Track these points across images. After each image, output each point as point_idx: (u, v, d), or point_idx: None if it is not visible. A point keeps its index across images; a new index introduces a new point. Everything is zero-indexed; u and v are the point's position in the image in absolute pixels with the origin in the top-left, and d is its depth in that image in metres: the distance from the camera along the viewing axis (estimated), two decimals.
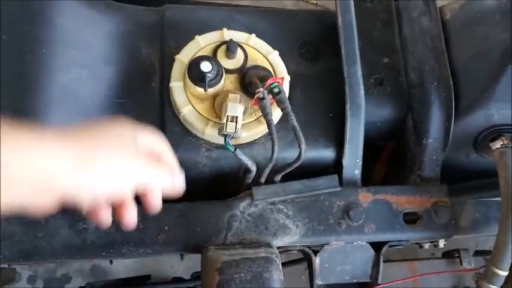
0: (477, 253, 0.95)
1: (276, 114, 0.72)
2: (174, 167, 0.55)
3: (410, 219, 0.73)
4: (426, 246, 0.85)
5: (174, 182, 0.53)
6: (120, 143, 0.47)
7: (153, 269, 1.58)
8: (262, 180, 0.73)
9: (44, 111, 0.67)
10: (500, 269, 0.64)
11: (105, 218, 0.52)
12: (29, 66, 0.67)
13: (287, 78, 0.74)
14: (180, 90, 0.70)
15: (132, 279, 1.02)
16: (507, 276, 0.65)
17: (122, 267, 1.60)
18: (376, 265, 0.73)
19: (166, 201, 0.72)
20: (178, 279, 1.05)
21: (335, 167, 0.78)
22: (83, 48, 0.72)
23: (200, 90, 0.67)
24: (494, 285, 0.65)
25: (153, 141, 0.53)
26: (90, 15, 0.74)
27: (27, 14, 0.69)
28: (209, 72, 0.65)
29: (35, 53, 0.67)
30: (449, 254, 0.91)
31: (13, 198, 0.40)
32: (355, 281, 0.74)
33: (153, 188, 0.52)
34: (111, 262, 0.94)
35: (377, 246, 0.74)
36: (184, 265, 1.55)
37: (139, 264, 1.61)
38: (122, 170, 0.46)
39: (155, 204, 0.54)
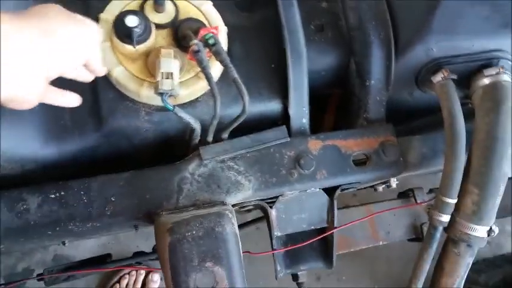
0: (431, 191, 0.97)
1: (216, 69, 0.70)
2: None
3: (360, 161, 0.73)
4: (380, 188, 0.87)
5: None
6: (68, 20, 0.52)
7: (117, 251, 1.55)
8: (210, 139, 0.71)
9: None
10: (449, 198, 0.65)
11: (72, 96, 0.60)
12: None
13: (224, 29, 0.71)
14: (108, 50, 0.65)
15: (92, 259, 0.98)
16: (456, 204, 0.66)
17: (86, 253, 1.55)
18: (331, 209, 0.74)
19: (111, 171, 0.70)
20: (140, 253, 1.03)
21: (283, 118, 0.76)
22: None
23: (129, 47, 0.63)
24: (444, 213, 0.66)
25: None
26: None
27: None
28: (136, 27, 0.61)
29: None
30: (404, 194, 0.93)
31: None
32: (312, 227, 0.74)
33: (94, 58, 0.57)
34: (63, 244, 0.89)
35: (330, 191, 0.74)
36: (150, 243, 1.53)
37: (103, 247, 1.57)
38: (78, 40, 0.52)
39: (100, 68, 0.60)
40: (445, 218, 0.67)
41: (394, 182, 0.80)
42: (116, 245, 1.58)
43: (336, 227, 0.73)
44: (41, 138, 0.67)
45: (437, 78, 0.71)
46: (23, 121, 0.66)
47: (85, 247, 1.56)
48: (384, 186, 0.86)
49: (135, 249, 1.56)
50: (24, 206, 0.66)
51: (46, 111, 0.68)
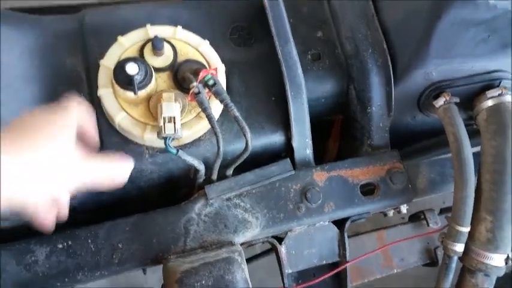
0: (442, 211, 0.96)
1: (217, 107, 0.69)
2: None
3: (368, 190, 0.72)
4: (390, 214, 0.85)
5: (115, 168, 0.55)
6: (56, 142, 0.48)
7: (127, 282, 1.52)
8: (214, 177, 0.70)
9: None
10: (462, 226, 0.64)
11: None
12: None
13: (222, 67, 0.71)
14: (109, 97, 0.65)
15: None
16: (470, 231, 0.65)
17: (94, 285, 1.53)
18: (342, 242, 0.72)
19: (117, 214, 0.70)
20: None
21: (287, 150, 0.76)
22: None
23: (130, 94, 0.63)
24: (458, 242, 0.64)
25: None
26: (1, 32, 0.68)
27: None
28: (136, 74, 0.61)
29: None
30: (416, 217, 0.91)
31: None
32: (324, 262, 0.72)
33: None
34: None
35: (340, 223, 0.72)
36: (158, 276, 1.50)
37: (111, 280, 1.55)
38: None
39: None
40: (460, 248, 0.65)
41: (404, 208, 0.79)
42: (124, 276, 1.56)
43: (348, 261, 0.71)
44: None
45: (440, 102, 0.71)
46: None
47: None
48: (393, 211, 0.84)
49: (143, 280, 1.54)
50: (33, 258, 0.65)
51: None
